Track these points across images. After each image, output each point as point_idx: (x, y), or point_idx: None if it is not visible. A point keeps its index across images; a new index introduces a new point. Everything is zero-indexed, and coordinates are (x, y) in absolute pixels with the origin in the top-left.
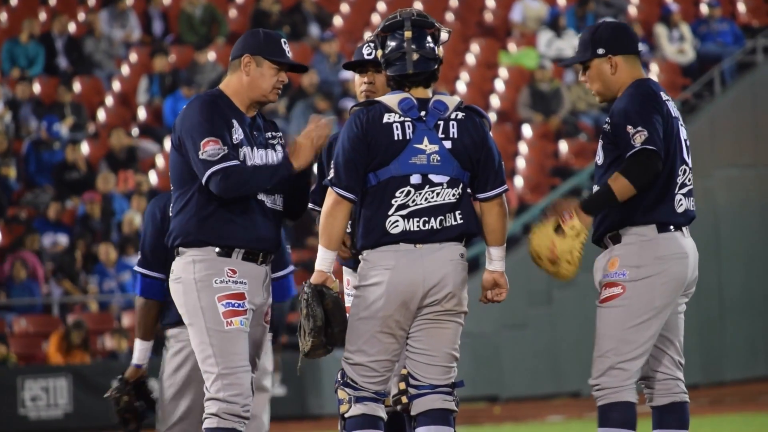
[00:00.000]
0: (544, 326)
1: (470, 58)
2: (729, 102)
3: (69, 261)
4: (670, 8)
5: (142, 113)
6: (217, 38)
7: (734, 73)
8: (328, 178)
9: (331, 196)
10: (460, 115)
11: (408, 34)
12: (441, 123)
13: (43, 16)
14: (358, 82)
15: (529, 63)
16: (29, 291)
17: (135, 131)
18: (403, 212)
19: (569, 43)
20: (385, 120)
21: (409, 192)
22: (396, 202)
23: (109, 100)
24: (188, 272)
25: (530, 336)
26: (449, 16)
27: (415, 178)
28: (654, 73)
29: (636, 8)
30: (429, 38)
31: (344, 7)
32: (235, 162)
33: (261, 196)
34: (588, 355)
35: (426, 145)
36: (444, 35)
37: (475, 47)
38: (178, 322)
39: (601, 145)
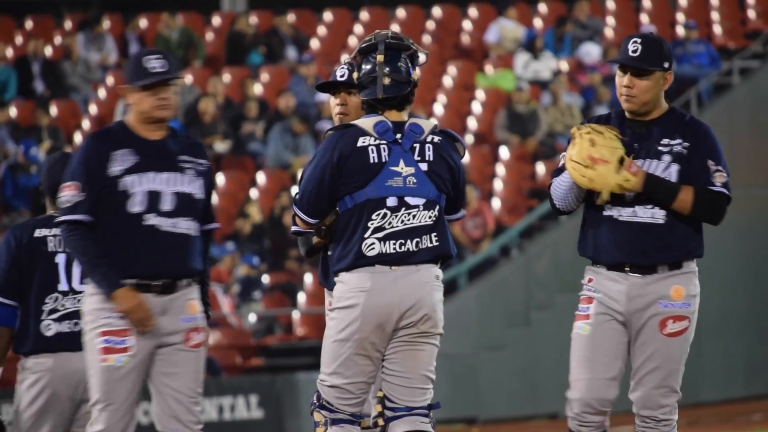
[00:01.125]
0: (521, 347)
1: (447, 80)
2: (706, 123)
3: None
4: (646, 30)
5: None
6: (194, 61)
7: (711, 94)
8: (294, 198)
9: (297, 218)
10: (436, 138)
11: (380, 58)
12: (417, 145)
13: (19, 39)
14: (333, 104)
15: (506, 85)
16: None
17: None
18: (379, 234)
19: (546, 65)
20: (359, 143)
21: (385, 214)
22: (372, 224)
23: (86, 124)
24: (86, 305)
25: (508, 357)
26: (426, 38)
27: (392, 201)
28: None
29: (613, 30)
30: (404, 61)
31: (321, 30)
32: (80, 217)
33: (153, 221)
34: (566, 376)
35: (402, 168)
36: (422, 57)
37: (452, 69)
38: (34, 351)
39: (677, 170)
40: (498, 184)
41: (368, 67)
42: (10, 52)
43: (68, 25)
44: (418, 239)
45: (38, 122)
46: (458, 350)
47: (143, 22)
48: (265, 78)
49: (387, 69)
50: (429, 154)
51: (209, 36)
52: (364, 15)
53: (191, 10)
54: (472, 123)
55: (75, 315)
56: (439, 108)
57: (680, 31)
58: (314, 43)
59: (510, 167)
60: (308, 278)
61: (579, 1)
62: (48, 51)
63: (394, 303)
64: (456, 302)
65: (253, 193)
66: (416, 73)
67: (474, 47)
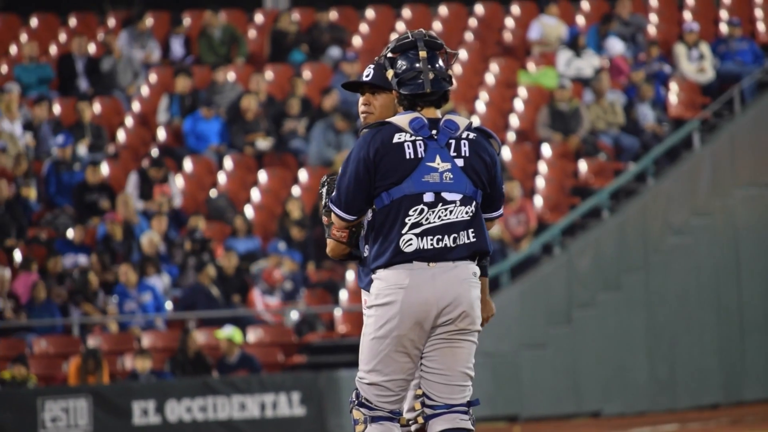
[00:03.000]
0: (563, 346)
1: (489, 78)
2: (749, 121)
3: (85, 282)
4: (689, 27)
5: (161, 134)
6: (237, 58)
7: (754, 91)
8: (331, 197)
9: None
10: (472, 135)
11: (423, 53)
12: (453, 142)
13: (63, 37)
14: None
15: (548, 82)
16: (49, 312)
17: (155, 152)
18: (417, 230)
19: (589, 63)
20: (395, 140)
21: (422, 210)
22: (410, 220)
23: (129, 121)
24: None
25: (550, 355)
26: (468, 36)
27: (428, 196)
28: (673, 91)
29: (656, 27)
30: (440, 59)
31: (363, 27)
32: None
33: None
34: (608, 374)
35: (438, 163)
36: (456, 57)
37: (494, 66)
38: None
39: None
40: (540, 182)
41: (407, 63)
42: (54, 50)
43: (112, 22)
44: (456, 235)
45: (81, 119)
46: (500, 348)
47: (187, 20)
48: (308, 75)
49: (430, 66)
50: (465, 150)
51: (252, 33)
52: (406, 12)
53: (234, 7)
54: (514, 120)
55: None
56: (481, 105)
57: (723, 28)
58: (356, 41)
59: (552, 165)
60: (350, 275)
61: None
62: (91, 48)
63: (432, 300)
64: (498, 300)
65: (295, 190)
66: (451, 72)
67: (516, 44)
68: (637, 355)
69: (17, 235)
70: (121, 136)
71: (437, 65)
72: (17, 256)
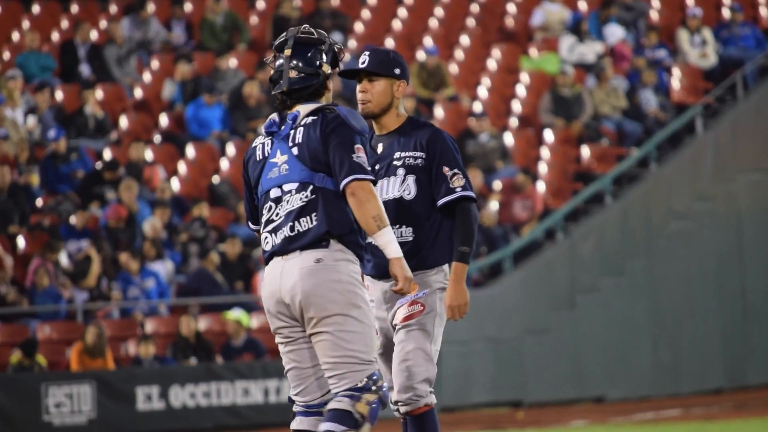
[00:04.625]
0: (566, 331)
1: (491, 64)
2: (751, 106)
3: (87, 268)
4: (692, 12)
5: (164, 120)
6: (239, 45)
7: (756, 77)
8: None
9: None
10: (310, 119)
11: (287, 52)
12: (291, 132)
13: (64, 24)
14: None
15: (550, 68)
16: (52, 298)
17: (157, 138)
18: (270, 227)
19: (591, 48)
20: (254, 144)
21: (271, 207)
22: (264, 218)
23: (131, 108)
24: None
25: (553, 341)
26: (470, 22)
27: (274, 192)
28: (676, 77)
29: (658, 13)
30: (314, 54)
31: (365, 13)
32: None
33: None
34: (611, 359)
35: (278, 158)
36: (341, 51)
37: (496, 52)
38: None
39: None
40: (543, 168)
41: (278, 62)
42: (56, 37)
43: (113, 9)
44: (292, 223)
45: (83, 107)
46: (503, 334)
47: (188, 6)
48: None
49: (293, 62)
50: (299, 137)
51: (253, 20)
52: None
53: None
54: (516, 106)
55: None
56: (483, 91)
57: (726, 13)
58: (358, 27)
59: (555, 150)
60: None
61: None
62: (93, 35)
63: (277, 294)
64: (501, 286)
65: None
66: (326, 66)
67: (518, 30)
68: (640, 341)
69: (20, 222)
70: (123, 122)
71: (307, 60)
72: (20, 242)
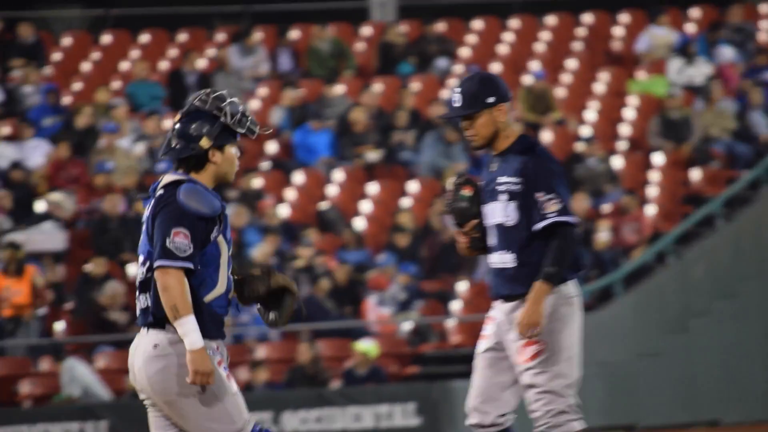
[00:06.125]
0: (679, 354)
1: (598, 87)
2: None
3: None
4: None
5: (272, 147)
6: (345, 71)
7: None
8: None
9: None
10: (160, 191)
11: (176, 117)
12: (150, 202)
13: (172, 53)
14: None
15: (658, 91)
16: None
17: (265, 165)
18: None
19: (699, 70)
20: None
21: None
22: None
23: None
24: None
25: (666, 364)
26: (576, 45)
27: (140, 260)
28: None
29: (766, 34)
30: (200, 124)
31: (470, 38)
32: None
33: None
34: (725, 382)
35: (143, 229)
36: (237, 120)
37: (603, 75)
38: None
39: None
40: (652, 191)
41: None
42: (164, 65)
43: (221, 37)
44: (139, 296)
45: None
46: (615, 357)
47: (295, 34)
48: (416, 87)
49: (175, 129)
50: (148, 209)
51: (359, 46)
52: (514, 23)
53: (341, 20)
54: (624, 129)
55: None
56: (591, 115)
57: None
58: (464, 52)
59: (664, 173)
60: (462, 286)
61: (732, 5)
62: (201, 63)
63: (131, 366)
64: (612, 309)
65: (405, 201)
66: (206, 139)
67: (625, 53)
68: (755, 363)
69: (131, 249)
70: None
71: (188, 130)
72: (131, 269)
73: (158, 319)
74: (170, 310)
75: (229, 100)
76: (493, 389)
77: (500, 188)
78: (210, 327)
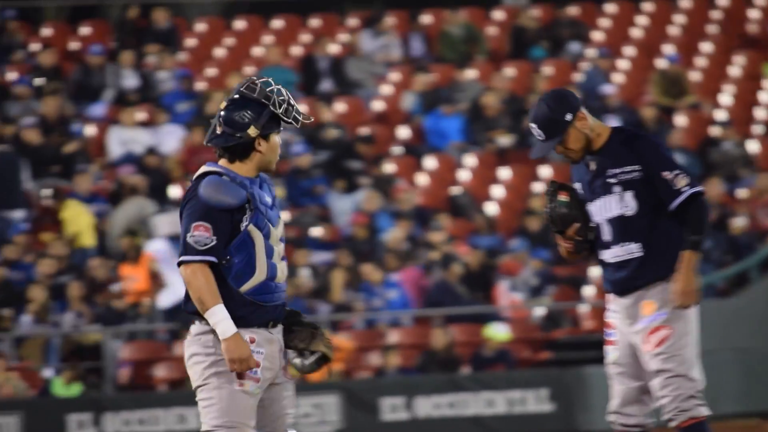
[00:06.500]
0: None
1: (734, 71)
2: None
3: (328, 279)
4: None
5: (404, 132)
6: (477, 56)
7: None
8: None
9: None
10: (189, 184)
11: (222, 104)
12: None
13: (304, 38)
14: None
15: None
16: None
17: (397, 150)
18: None
19: None
20: None
21: None
22: None
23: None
24: None
25: None
26: (711, 28)
27: None
28: None
29: None
30: (244, 113)
31: (603, 22)
32: None
33: None
34: None
35: None
36: (286, 109)
37: (738, 59)
38: None
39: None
40: None
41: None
42: (295, 50)
43: (353, 22)
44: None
45: (321, 119)
46: (752, 343)
47: (426, 18)
48: (548, 71)
49: (221, 116)
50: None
51: (491, 30)
52: (647, 6)
53: (473, 5)
54: (760, 113)
55: None
56: (725, 98)
57: None
58: (596, 36)
59: None
60: (595, 271)
61: None
62: (333, 48)
63: None
64: (748, 295)
65: (537, 186)
66: (254, 128)
67: (761, 36)
68: None
69: None
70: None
71: (234, 117)
72: None
73: (191, 311)
74: (198, 303)
75: (276, 88)
76: (633, 393)
77: (612, 180)
78: (247, 316)
